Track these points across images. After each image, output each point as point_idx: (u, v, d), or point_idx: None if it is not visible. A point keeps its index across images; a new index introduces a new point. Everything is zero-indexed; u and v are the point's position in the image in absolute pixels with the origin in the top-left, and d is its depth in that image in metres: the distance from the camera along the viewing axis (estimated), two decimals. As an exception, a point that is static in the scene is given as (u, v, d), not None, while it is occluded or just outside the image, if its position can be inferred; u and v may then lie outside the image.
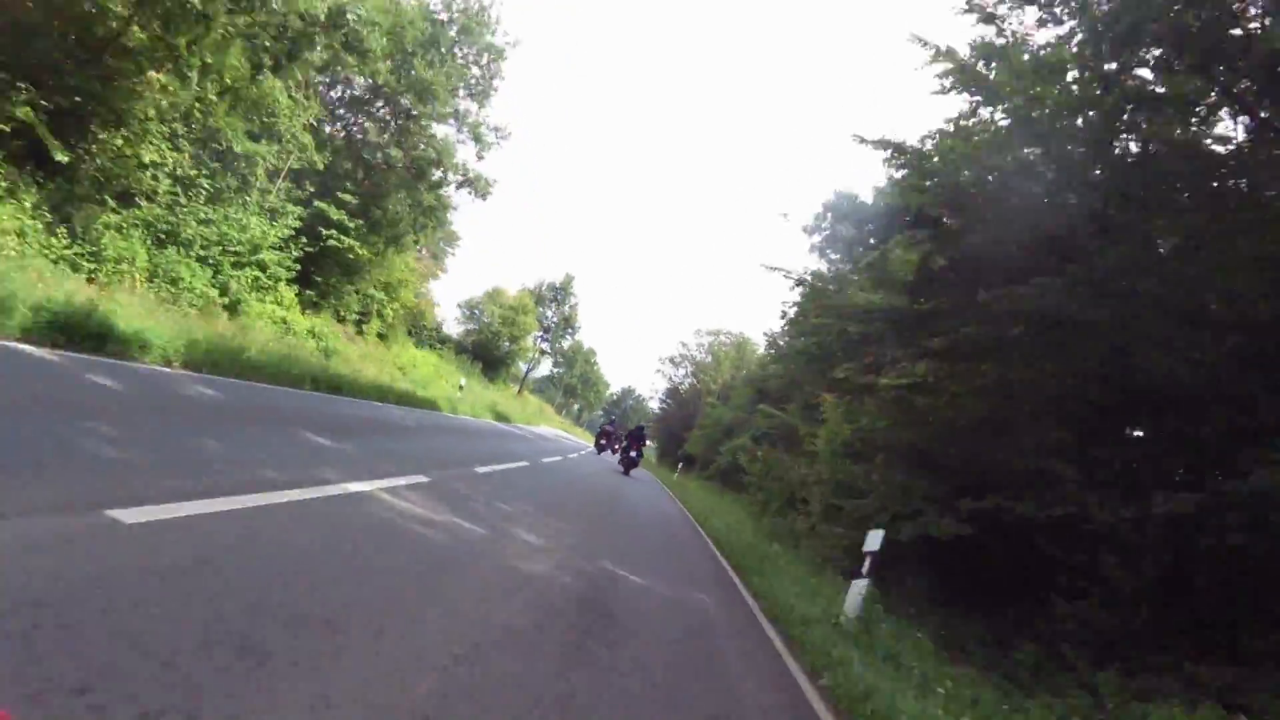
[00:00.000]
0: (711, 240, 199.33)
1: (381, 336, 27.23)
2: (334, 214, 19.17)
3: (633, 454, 24.25)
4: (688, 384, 66.91)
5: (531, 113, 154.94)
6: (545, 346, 66.47)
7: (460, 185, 20.65)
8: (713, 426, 45.12)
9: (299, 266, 19.04)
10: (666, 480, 30.78)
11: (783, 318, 37.63)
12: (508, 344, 58.74)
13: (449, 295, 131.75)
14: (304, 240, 19.12)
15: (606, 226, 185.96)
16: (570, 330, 66.49)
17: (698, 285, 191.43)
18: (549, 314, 66.00)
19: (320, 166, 18.10)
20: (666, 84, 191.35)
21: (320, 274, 20.04)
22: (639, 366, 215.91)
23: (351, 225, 19.61)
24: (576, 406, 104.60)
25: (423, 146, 19.65)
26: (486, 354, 58.06)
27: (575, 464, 20.10)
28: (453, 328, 58.88)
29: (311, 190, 19.38)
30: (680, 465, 36.37)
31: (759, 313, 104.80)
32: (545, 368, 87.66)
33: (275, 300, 18.48)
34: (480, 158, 20.58)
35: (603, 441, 31.50)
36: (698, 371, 61.95)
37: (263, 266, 17.63)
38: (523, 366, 66.01)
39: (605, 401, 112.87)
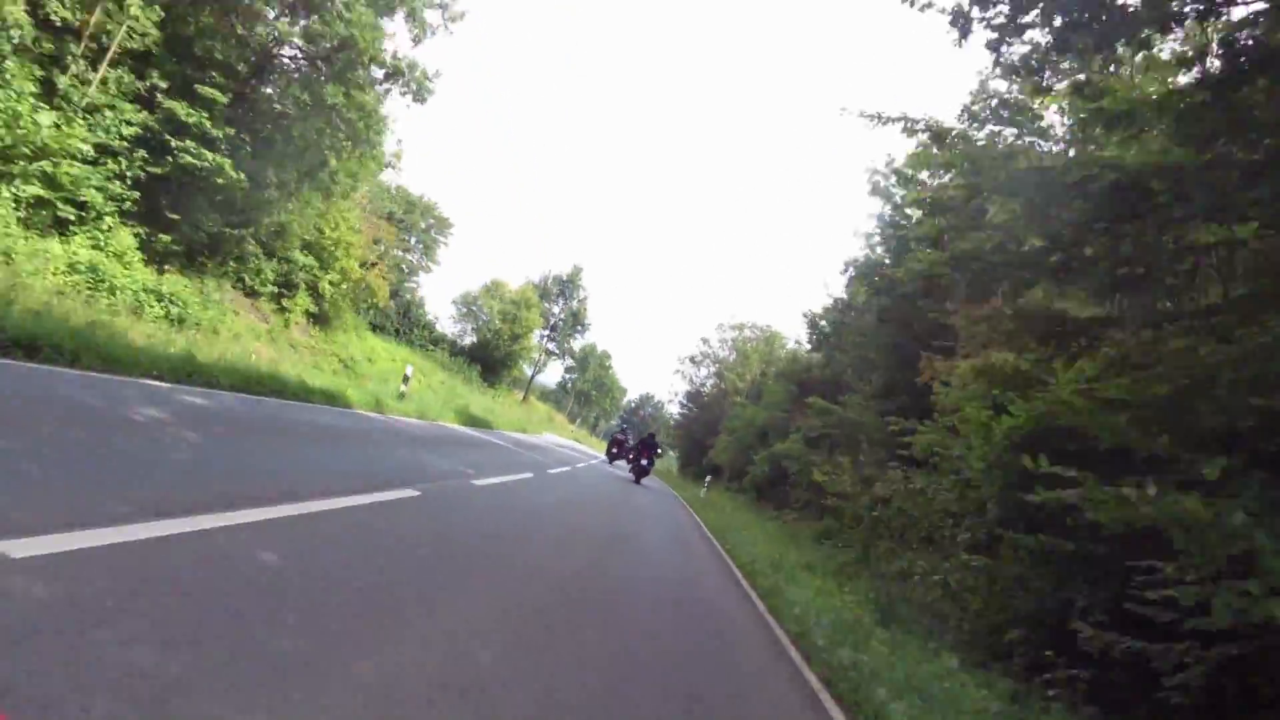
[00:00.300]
0: (729, 236, 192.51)
1: (315, 318, 20.85)
2: (187, 114, 12.79)
3: (643, 462, 23.40)
4: (711, 384, 60.13)
5: (531, 106, 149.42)
6: (552, 346, 59.98)
7: (387, 79, 14.21)
8: (743, 429, 38.31)
9: (137, 194, 12.72)
10: (692, 499, 23.99)
11: (847, 275, 30.14)
12: (509, 344, 52.41)
13: (443, 292, 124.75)
14: (142, 155, 12.79)
15: (615, 227, 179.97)
16: (580, 328, 59.98)
17: (715, 285, 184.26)
18: (555, 310, 59.58)
19: (151, 24, 11.77)
20: (671, 74, 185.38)
21: (179, 211, 13.64)
22: (657, 372, 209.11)
23: (219, 135, 13.20)
24: (594, 415, 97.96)
25: (330, 19, 13.22)
26: (485, 355, 51.81)
27: (556, 482, 13.56)
28: (448, 327, 52.82)
29: (161, 84, 13.05)
30: (709, 478, 29.32)
31: (784, 306, 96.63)
32: (556, 373, 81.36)
33: (93, 241, 12.12)
34: (416, 42, 14.15)
35: (614, 451, 30.01)
36: (722, 370, 55.07)
37: (55, 184, 11.28)
38: (528, 369, 59.62)
39: (623, 409, 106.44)
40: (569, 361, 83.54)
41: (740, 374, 50.04)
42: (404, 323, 47.80)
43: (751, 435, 36.10)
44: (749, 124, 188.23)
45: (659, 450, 27.24)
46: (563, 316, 59.17)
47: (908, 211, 16.39)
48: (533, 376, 60.08)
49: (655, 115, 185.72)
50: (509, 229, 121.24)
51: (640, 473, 23.03)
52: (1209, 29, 6.79)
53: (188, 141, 12.93)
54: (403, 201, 48.63)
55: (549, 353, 59.61)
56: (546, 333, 59.63)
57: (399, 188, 48.94)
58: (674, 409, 71.27)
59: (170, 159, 12.89)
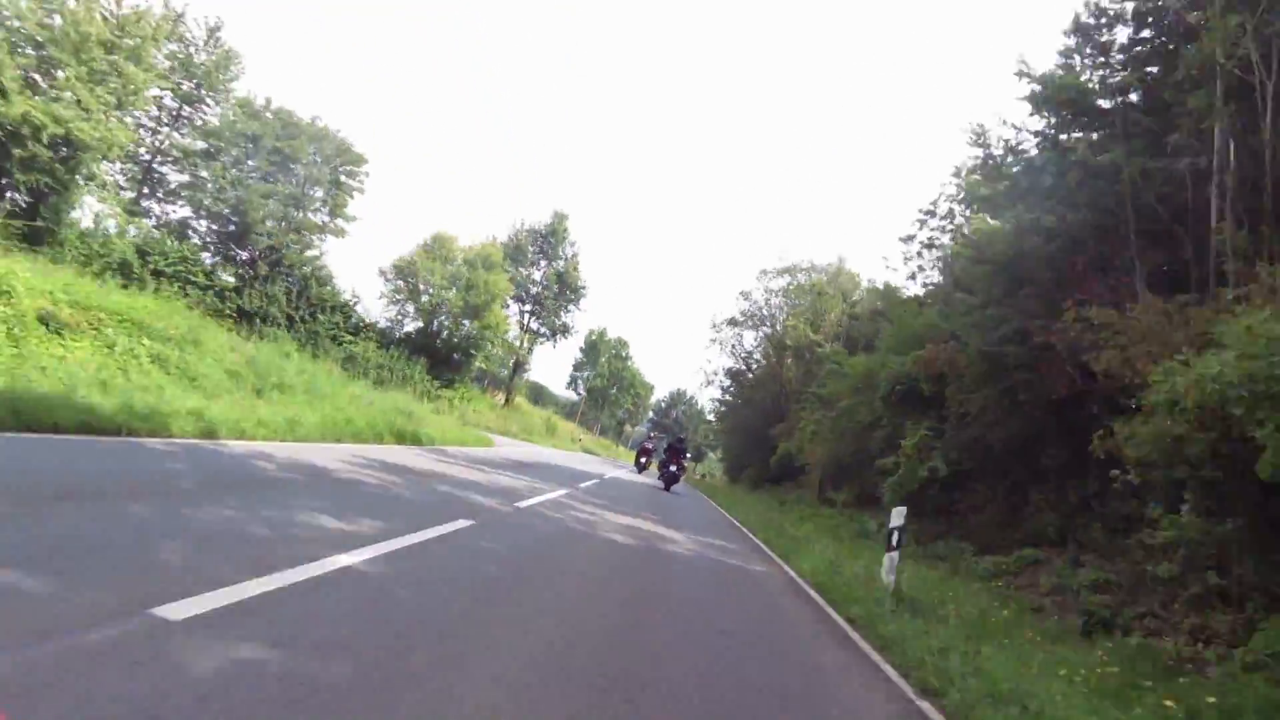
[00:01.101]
0: (750, 203, 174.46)
1: None
2: None
3: (672, 468, 21.92)
4: (761, 351, 43.26)
5: (515, 57, 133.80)
6: (537, 325, 43.49)
7: None
8: (852, 398, 21.47)
9: None
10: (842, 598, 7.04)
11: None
12: (466, 324, 36.21)
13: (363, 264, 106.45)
14: None
15: (621, 207, 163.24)
16: (571, 296, 43.39)
17: (743, 262, 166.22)
18: (536, 276, 43.18)
19: None
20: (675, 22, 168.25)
21: None
22: (685, 367, 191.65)
23: None
24: (618, 417, 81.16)
25: None
26: (430, 343, 35.70)
27: None
28: (380, 310, 36.83)
29: None
30: (895, 533, 8.81)
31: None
32: (563, 372, 64.96)
33: None
34: None
35: (643, 460, 28.77)
36: (777, 321, 38.19)
37: None
38: (507, 361, 43.25)
39: (654, 409, 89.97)
40: (577, 354, 67.42)
41: (811, 321, 33.02)
42: (300, 306, 31.94)
43: (878, 403, 19.18)
44: (764, 68, 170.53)
45: (688, 455, 26.28)
46: (545, 283, 42.70)
47: None
48: (515, 369, 43.68)
49: (656, 65, 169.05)
50: (494, 214, 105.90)
51: (670, 479, 21.69)
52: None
53: None
54: (278, 123, 32.89)
55: (533, 333, 43.19)
56: (527, 310, 43.30)
57: (273, 103, 33.33)
58: (713, 394, 54.41)
59: None
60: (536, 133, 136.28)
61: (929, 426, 16.37)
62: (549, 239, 43.08)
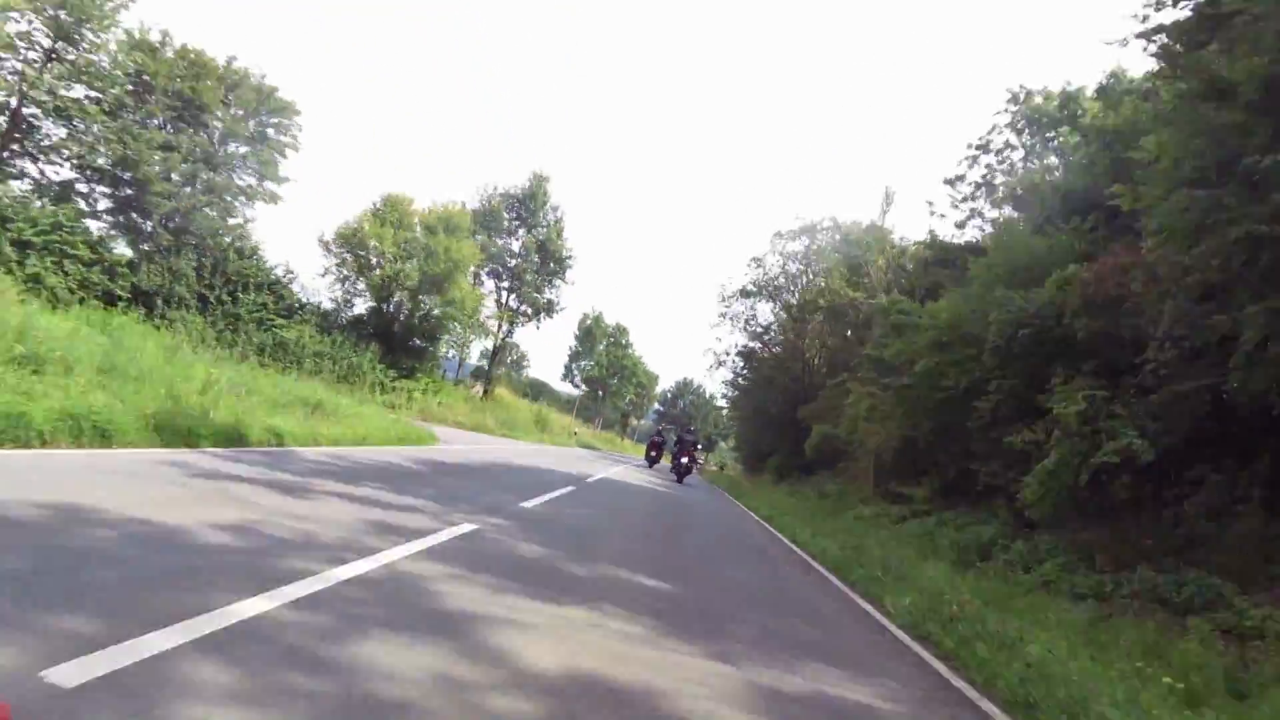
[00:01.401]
0: (753, 185, 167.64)
1: None
2: None
3: (683, 460, 22.29)
4: (779, 324, 37.20)
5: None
6: (516, 303, 37.27)
7: None
8: (929, 353, 15.29)
9: None
10: None
11: None
12: (426, 301, 30.13)
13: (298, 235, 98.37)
14: None
15: (613, 192, 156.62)
16: (556, 269, 37.17)
17: (745, 247, 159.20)
18: (515, 246, 36.97)
19: None
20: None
21: None
22: (691, 357, 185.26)
23: None
24: (622, 408, 74.77)
25: None
26: (385, 326, 29.64)
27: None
28: (324, 288, 30.80)
29: None
30: None
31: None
32: (555, 362, 58.72)
33: None
34: None
35: (653, 454, 28.68)
36: (811, 280, 32.09)
37: None
38: (477, 346, 37.15)
39: (660, 400, 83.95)
40: (572, 344, 61.39)
41: (848, 277, 26.80)
42: (215, 284, 25.95)
43: (985, 358, 12.96)
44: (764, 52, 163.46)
45: (699, 446, 26.47)
46: (525, 253, 36.48)
47: None
48: (494, 356, 37.52)
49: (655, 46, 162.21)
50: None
51: (682, 472, 21.83)
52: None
53: None
54: (180, 62, 26.73)
55: (513, 312, 37.01)
56: (505, 285, 37.15)
57: (173, 40, 27.13)
58: (724, 377, 48.14)
59: None
60: (528, 108, 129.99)
61: (1091, 385, 10.23)
62: (527, 204, 36.87)
